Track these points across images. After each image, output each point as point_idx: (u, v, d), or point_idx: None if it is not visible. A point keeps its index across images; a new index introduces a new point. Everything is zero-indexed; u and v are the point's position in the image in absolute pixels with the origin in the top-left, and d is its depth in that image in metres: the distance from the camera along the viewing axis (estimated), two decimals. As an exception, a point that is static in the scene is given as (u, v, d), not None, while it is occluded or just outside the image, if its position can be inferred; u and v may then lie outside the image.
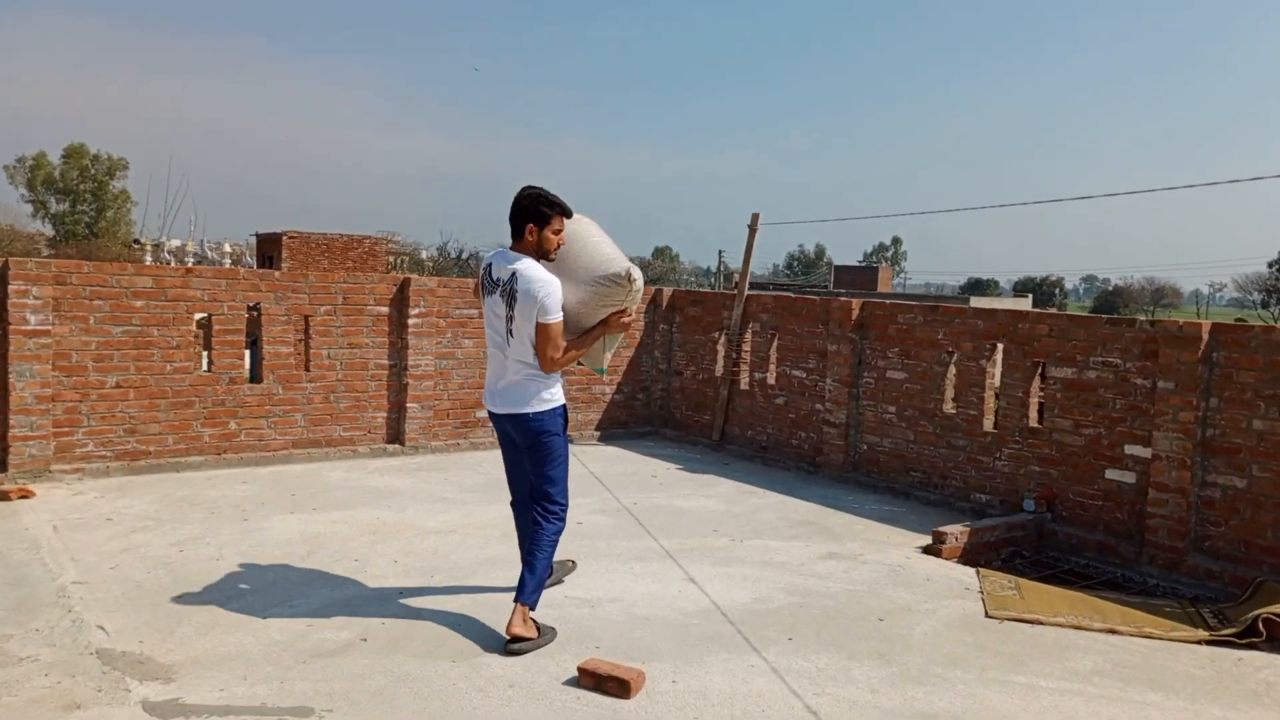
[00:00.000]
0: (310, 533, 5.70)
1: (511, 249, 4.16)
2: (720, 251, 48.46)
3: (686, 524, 6.23)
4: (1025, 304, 46.32)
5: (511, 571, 4.71)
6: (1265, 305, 56.27)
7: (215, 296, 7.26)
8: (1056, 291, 74.90)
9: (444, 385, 8.20)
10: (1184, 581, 5.54)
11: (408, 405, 7.98)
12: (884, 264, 68.78)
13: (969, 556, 5.88)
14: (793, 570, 5.35)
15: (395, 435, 8.03)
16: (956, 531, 5.85)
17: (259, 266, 33.59)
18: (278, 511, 6.13)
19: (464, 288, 8.38)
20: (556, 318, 4.04)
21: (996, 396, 6.81)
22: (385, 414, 7.98)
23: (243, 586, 4.72)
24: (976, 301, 41.89)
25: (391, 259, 48.88)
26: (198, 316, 7.32)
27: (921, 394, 7.17)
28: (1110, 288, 79.34)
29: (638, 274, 4.17)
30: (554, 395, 4.15)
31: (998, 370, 6.83)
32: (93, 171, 54.84)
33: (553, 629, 4.19)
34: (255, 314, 7.61)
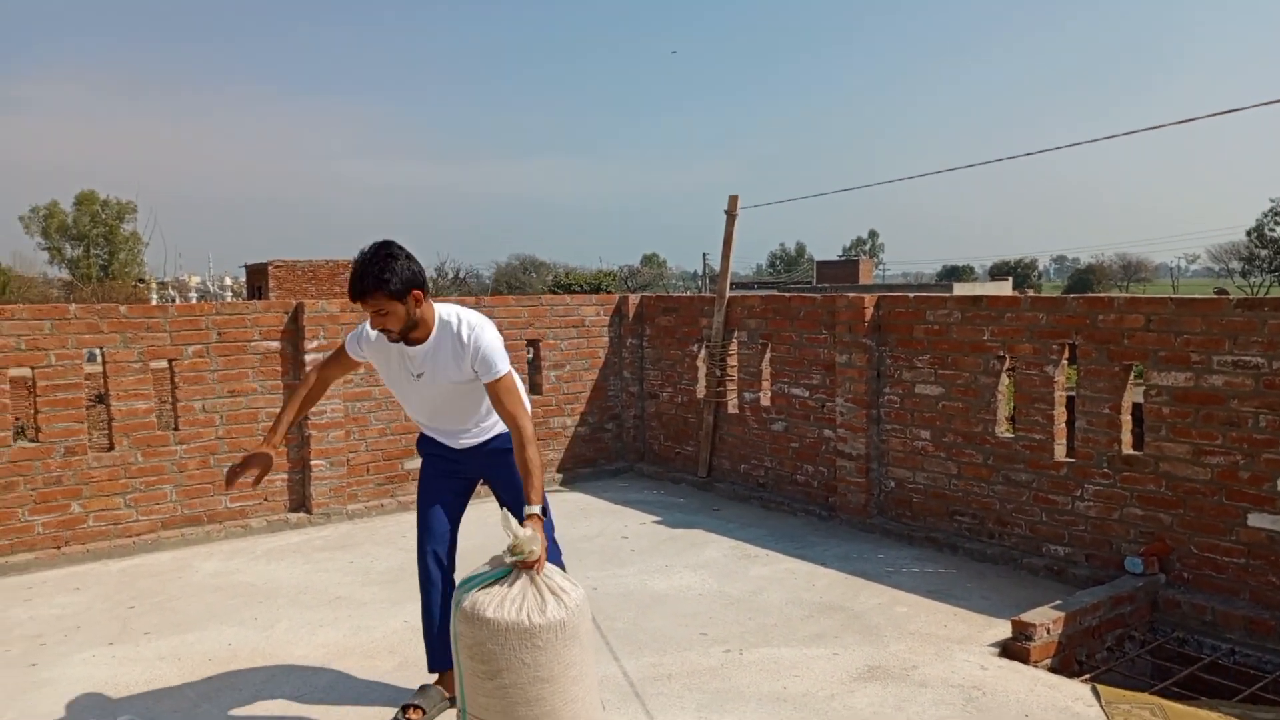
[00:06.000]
0: (115, 684, 3.64)
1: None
2: (704, 255, 46.25)
3: (663, 623, 4.18)
4: (1005, 288, 43.98)
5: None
6: (1245, 275, 53.58)
7: (37, 344, 5.20)
8: (1032, 274, 72.17)
9: (359, 434, 6.14)
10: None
11: (312, 463, 5.91)
12: (864, 256, 66.32)
13: (1066, 653, 3.84)
14: (820, 714, 3.30)
15: (300, 501, 5.97)
16: (1047, 621, 3.79)
17: (249, 298, 31.57)
18: (92, 642, 4.07)
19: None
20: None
21: (1069, 413, 4.76)
22: (285, 476, 5.91)
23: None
24: (960, 288, 39.60)
25: (394, 282, 47.35)
26: (13, 372, 5.25)
27: (964, 413, 5.12)
28: (1083, 266, 76.57)
29: None
30: None
31: (1062, 379, 4.79)
32: (103, 216, 53.63)
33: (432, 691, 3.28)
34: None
